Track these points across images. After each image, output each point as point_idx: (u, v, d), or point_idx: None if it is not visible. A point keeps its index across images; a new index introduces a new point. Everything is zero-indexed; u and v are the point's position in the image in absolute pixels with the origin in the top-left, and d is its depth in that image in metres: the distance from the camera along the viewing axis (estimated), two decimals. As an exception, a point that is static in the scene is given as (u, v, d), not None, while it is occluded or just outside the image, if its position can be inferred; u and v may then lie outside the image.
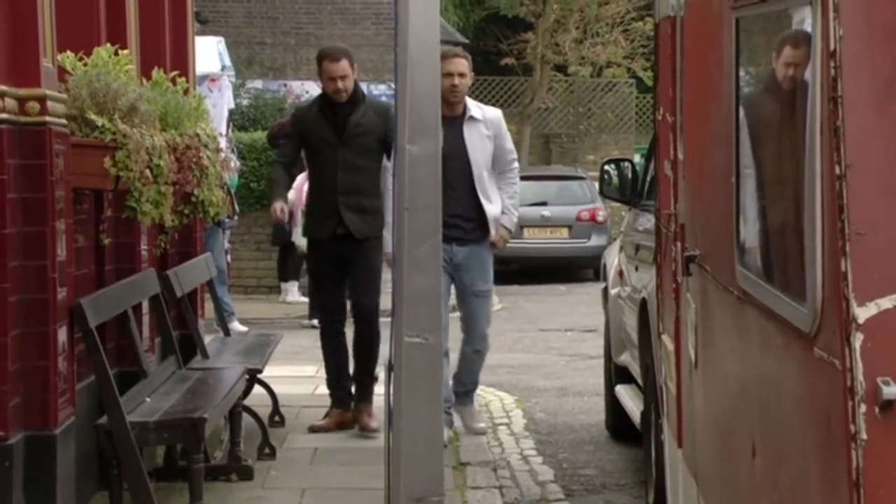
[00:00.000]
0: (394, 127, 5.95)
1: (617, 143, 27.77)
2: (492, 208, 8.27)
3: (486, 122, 8.24)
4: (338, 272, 8.30)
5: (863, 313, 2.62)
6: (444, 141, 6.43)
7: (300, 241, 14.58)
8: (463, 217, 8.10)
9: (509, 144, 8.46)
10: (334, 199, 8.14)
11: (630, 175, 8.54)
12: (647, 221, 7.69)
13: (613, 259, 8.91)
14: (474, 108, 8.29)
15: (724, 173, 3.78)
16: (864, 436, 2.61)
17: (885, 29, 2.72)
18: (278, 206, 8.41)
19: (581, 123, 28.58)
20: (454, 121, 8.02)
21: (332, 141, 8.19)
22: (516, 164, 8.54)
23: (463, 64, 8.21)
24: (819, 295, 2.76)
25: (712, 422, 4.18)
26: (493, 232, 8.27)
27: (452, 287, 8.43)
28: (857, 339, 2.61)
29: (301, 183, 14.70)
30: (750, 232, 3.54)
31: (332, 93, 8.21)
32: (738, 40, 3.58)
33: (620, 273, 8.44)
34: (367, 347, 8.34)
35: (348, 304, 8.46)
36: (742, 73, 3.61)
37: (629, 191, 8.46)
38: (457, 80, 8.09)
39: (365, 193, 8.17)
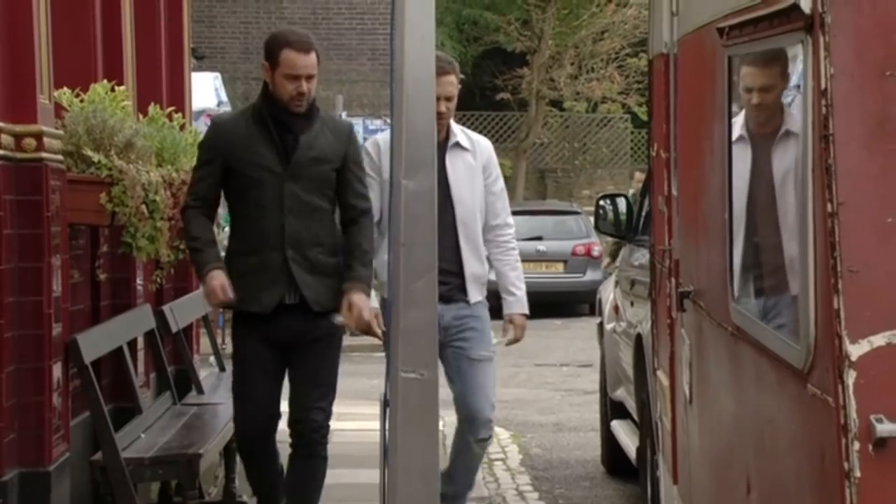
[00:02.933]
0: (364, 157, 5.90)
1: (612, 178, 27.83)
2: (474, 264, 6.30)
3: (474, 152, 6.38)
4: (276, 364, 5.77)
5: (855, 350, 2.62)
6: None
7: None
8: (445, 270, 5.77)
9: (499, 185, 6.48)
10: (279, 254, 5.65)
11: (625, 210, 8.56)
12: (643, 256, 7.71)
13: (609, 294, 8.91)
14: (460, 133, 6.40)
15: (717, 210, 3.79)
16: (857, 473, 2.61)
17: (875, 68, 2.73)
18: (217, 283, 5.60)
19: (576, 158, 28.65)
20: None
21: (275, 169, 5.65)
22: (511, 220, 6.53)
23: (453, 84, 6.31)
24: (812, 332, 2.76)
25: (707, 458, 4.18)
26: (473, 295, 6.31)
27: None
28: (850, 377, 2.61)
29: None
30: (744, 268, 3.54)
31: (287, 98, 5.64)
32: (731, 77, 3.61)
33: (616, 308, 8.44)
34: (309, 487, 5.93)
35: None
36: (734, 110, 3.63)
37: (624, 226, 8.48)
38: (443, 107, 6.12)
39: (322, 246, 5.70)
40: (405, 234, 5.34)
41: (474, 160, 6.38)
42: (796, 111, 3.01)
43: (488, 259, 6.46)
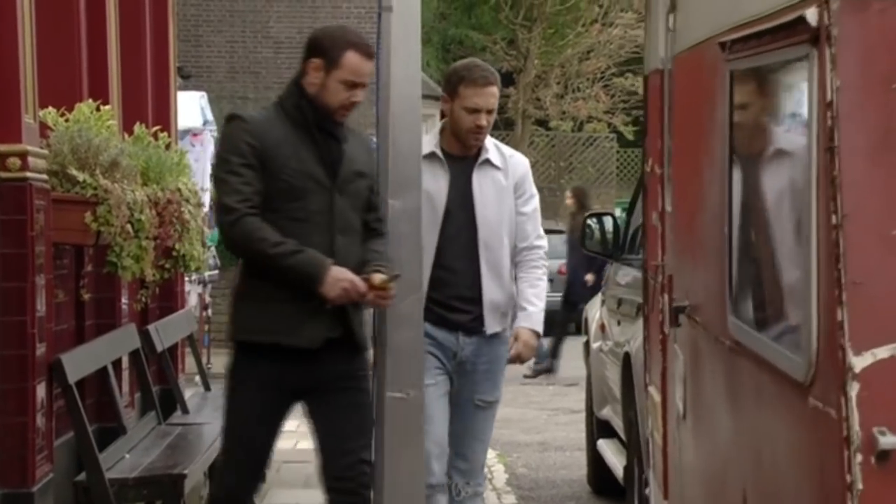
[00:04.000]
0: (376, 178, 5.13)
1: (598, 198, 27.83)
2: (494, 291, 5.68)
3: (506, 170, 5.77)
4: (283, 417, 5.00)
5: (859, 363, 2.61)
6: (448, 187, 5.63)
7: None
8: (466, 298, 5.64)
9: (531, 205, 5.87)
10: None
11: (612, 229, 8.56)
12: (629, 275, 7.70)
13: (595, 313, 8.90)
14: (492, 149, 5.79)
15: (715, 224, 3.78)
16: (860, 486, 2.60)
17: (881, 80, 2.74)
18: (350, 275, 4.82)
19: (562, 177, 28.70)
20: (462, 163, 5.69)
21: (322, 180, 4.89)
22: (543, 242, 5.89)
23: (495, 96, 5.72)
24: (814, 344, 2.75)
25: (701, 472, 4.16)
26: (490, 325, 5.68)
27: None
28: (854, 389, 2.60)
29: None
30: (742, 282, 3.53)
31: (338, 105, 4.92)
32: (733, 92, 3.60)
33: (602, 327, 8.43)
34: None
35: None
36: (736, 124, 3.62)
37: (612, 244, 8.47)
38: (483, 120, 5.64)
39: (360, 273, 4.89)
40: (391, 254, 5.33)
41: (505, 179, 5.75)
42: (794, 127, 3.00)
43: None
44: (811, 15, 2.78)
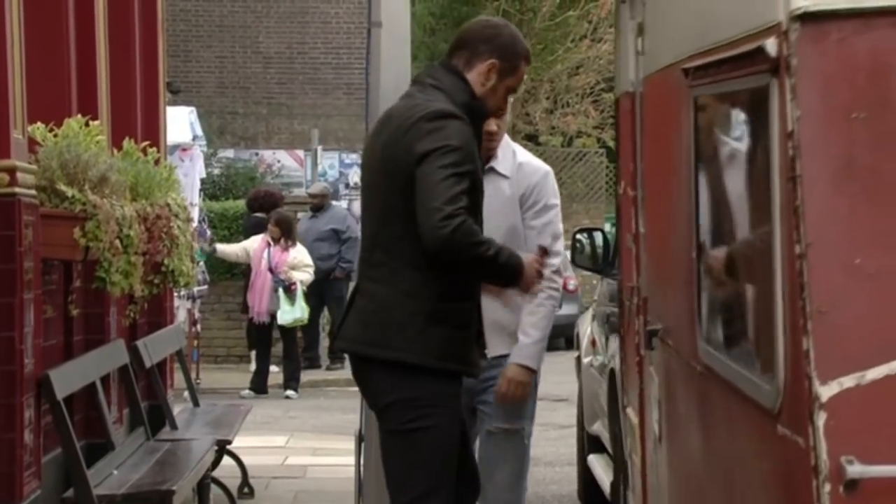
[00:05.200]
0: None
1: (588, 212, 27.89)
2: (496, 309, 5.14)
3: (514, 179, 5.27)
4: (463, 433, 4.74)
5: (825, 392, 2.62)
6: None
7: (290, 317, 14.38)
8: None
9: (542, 219, 5.30)
10: (477, 301, 4.68)
11: (602, 244, 8.58)
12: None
13: (587, 328, 8.92)
14: (503, 157, 5.29)
15: (684, 248, 3.79)
16: (828, 515, 2.61)
17: (841, 110, 2.75)
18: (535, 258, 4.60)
19: (552, 192, 28.69)
20: None
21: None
22: (555, 260, 5.20)
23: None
24: (782, 373, 2.76)
25: (677, 496, 4.17)
26: (493, 346, 5.10)
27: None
28: (821, 418, 2.61)
29: (261, 247, 14.55)
30: (712, 307, 3.55)
31: (495, 110, 4.83)
32: (697, 118, 3.62)
33: (593, 342, 8.45)
34: None
35: None
36: (700, 150, 3.65)
37: (601, 260, 8.49)
38: (493, 125, 5.15)
39: None
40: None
41: (511, 189, 5.26)
42: (756, 156, 3.02)
43: None
44: (771, 45, 2.79)
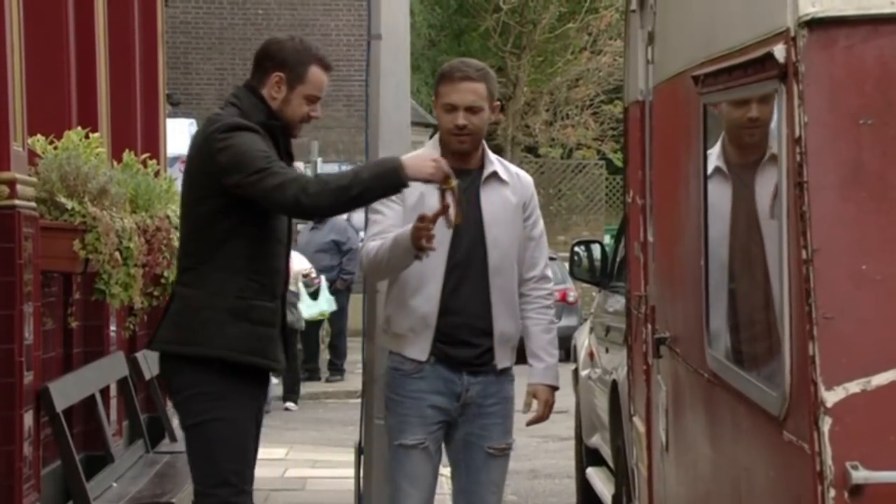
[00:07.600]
0: None
1: (587, 224, 27.91)
2: (506, 322, 5.02)
3: (514, 186, 5.12)
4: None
5: (831, 397, 2.62)
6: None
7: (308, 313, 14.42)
8: (475, 329, 4.99)
9: (539, 229, 5.21)
10: (280, 303, 4.93)
11: (600, 256, 8.58)
12: (618, 303, 7.72)
13: (584, 340, 8.92)
14: (497, 163, 5.14)
15: (693, 256, 3.80)
16: (834, 520, 2.61)
17: (849, 116, 2.76)
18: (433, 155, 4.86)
19: (551, 204, 28.73)
20: (467, 177, 4.98)
21: None
22: (549, 271, 5.23)
23: (475, 93, 5.00)
24: (788, 379, 2.77)
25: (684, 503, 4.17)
26: (501, 360, 5.04)
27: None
28: (826, 424, 2.61)
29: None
30: (720, 315, 3.55)
31: (299, 120, 4.86)
32: (706, 125, 3.63)
33: (591, 354, 8.44)
34: None
35: None
36: (710, 158, 3.65)
37: (599, 272, 8.49)
38: (461, 119, 4.97)
39: None
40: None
41: (513, 196, 5.08)
42: (764, 162, 3.03)
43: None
44: (779, 51, 2.81)
